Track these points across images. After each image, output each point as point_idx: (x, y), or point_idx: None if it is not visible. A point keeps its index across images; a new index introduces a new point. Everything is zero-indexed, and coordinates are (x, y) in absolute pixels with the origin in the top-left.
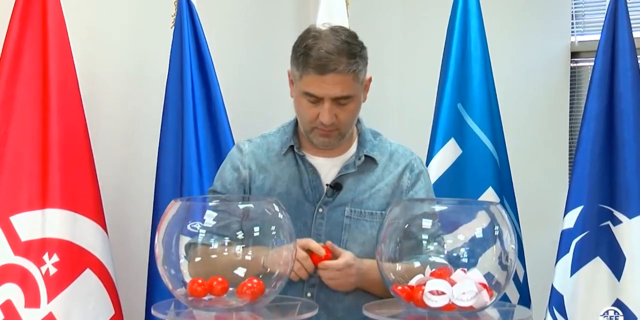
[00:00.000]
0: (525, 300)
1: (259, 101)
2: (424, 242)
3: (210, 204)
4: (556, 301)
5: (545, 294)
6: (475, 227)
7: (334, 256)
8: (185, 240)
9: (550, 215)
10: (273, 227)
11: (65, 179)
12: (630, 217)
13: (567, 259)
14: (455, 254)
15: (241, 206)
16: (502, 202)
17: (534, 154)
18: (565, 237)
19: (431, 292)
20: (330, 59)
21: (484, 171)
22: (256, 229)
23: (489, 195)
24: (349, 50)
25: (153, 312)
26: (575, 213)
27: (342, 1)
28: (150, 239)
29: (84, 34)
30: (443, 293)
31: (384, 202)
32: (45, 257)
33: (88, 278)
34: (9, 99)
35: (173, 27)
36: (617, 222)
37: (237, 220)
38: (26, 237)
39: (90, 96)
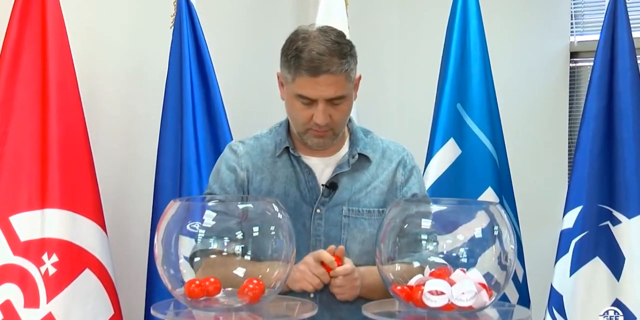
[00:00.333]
0: (524, 300)
1: (258, 101)
2: (424, 242)
3: (210, 204)
4: (555, 301)
5: (545, 294)
6: (475, 227)
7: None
8: (184, 240)
9: (549, 215)
10: (272, 227)
11: (64, 179)
12: (629, 217)
13: (567, 259)
14: (454, 254)
15: (240, 206)
16: (501, 202)
17: (533, 154)
18: (565, 237)
19: (430, 292)
20: (322, 60)
21: (483, 171)
22: (255, 229)
23: (488, 195)
24: (339, 50)
25: (152, 312)
26: (574, 213)
27: (341, 1)
28: (149, 239)
29: (84, 34)
30: (442, 293)
31: (380, 199)
32: (45, 257)
33: (87, 278)
34: (9, 99)
35: (172, 27)
36: (616, 222)
37: (237, 221)
38: (25, 237)
39: (90, 96)
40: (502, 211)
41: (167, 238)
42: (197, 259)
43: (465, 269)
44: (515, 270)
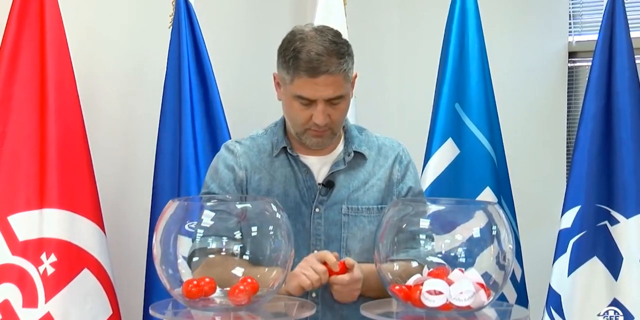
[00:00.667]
0: (522, 300)
1: (256, 101)
2: (422, 242)
3: (208, 203)
4: (553, 301)
5: (543, 293)
6: (473, 227)
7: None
8: (182, 240)
9: (547, 215)
10: (271, 227)
11: (63, 178)
12: (627, 216)
13: (565, 258)
14: (452, 254)
15: (239, 206)
16: (499, 202)
17: (531, 153)
18: (563, 236)
19: (429, 292)
20: (321, 60)
21: (481, 171)
22: (254, 229)
23: (487, 195)
24: (337, 50)
25: (151, 312)
26: (572, 213)
27: (339, 1)
28: (148, 239)
29: (83, 33)
30: (440, 293)
31: (379, 196)
32: (43, 257)
33: (86, 278)
34: (7, 99)
35: (171, 27)
36: (614, 221)
37: (236, 221)
38: (24, 237)
39: (89, 96)
40: (500, 211)
41: (166, 238)
42: (195, 259)
43: (463, 269)
44: (513, 270)
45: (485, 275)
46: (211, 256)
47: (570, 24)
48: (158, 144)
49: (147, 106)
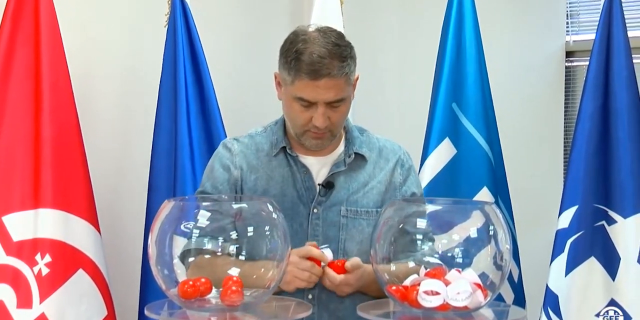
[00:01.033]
0: (519, 300)
1: (252, 100)
2: (419, 242)
3: (204, 204)
4: (551, 301)
5: (540, 294)
6: (470, 227)
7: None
8: (178, 240)
9: (545, 215)
10: (267, 227)
11: (57, 178)
12: (625, 216)
13: (562, 258)
14: (449, 254)
15: (235, 206)
16: (496, 202)
17: (529, 153)
18: (560, 236)
19: (426, 292)
20: (323, 63)
21: (478, 171)
22: (250, 229)
23: (484, 195)
24: (340, 53)
25: (146, 312)
26: (570, 213)
27: (336, 0)
28: (143, 239)
29: (78, 33)
30: (437, 293)
31: (378, 199)
32: (38, 257)
33: (81, 278)
34: (1, 99)
35: (167, 26)
36: (612, 221)
37: (231, 221)
38: (18, 237)
39: (84, 95)
40: (498, 211)
41: (161, 238)
42: (191, 259)
43: (460, 269)
44: (510, 270)
45: (483, 276)
46: (207, 256)
47: (567, 23)
48: (154, 144)
49: (143, 105)
